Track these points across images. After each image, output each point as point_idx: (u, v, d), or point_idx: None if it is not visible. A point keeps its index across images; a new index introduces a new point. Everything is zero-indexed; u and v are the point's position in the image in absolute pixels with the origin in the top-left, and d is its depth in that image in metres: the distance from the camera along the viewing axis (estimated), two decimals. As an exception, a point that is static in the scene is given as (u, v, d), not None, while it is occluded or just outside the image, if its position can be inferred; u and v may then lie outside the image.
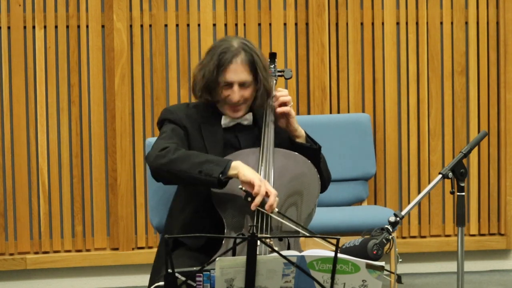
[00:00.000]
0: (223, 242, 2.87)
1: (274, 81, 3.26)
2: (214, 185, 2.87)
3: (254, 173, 2.86)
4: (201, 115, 3.17)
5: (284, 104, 3.15)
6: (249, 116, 3.19)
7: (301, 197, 3.02)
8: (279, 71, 3.32)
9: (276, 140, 3.12)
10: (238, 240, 2.69)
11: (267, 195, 2.84)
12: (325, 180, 3.19)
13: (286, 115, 3.15)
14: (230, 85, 3.11)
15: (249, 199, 2.84)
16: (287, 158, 3.07)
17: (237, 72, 3.12)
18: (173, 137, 3.05)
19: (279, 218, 2.86)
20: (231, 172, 2.87)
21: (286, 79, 3.34)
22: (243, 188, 2.86)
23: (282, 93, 3.17)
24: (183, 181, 2.98)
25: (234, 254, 2.74)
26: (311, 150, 3.14)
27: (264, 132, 3.11)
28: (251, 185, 2.84)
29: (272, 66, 3.32)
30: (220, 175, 2.85)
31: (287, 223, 2.86)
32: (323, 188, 3.17)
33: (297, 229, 2.87)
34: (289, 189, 3.01)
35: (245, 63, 3.13)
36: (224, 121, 3.16)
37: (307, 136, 3.19)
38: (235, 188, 2.89)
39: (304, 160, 3.07)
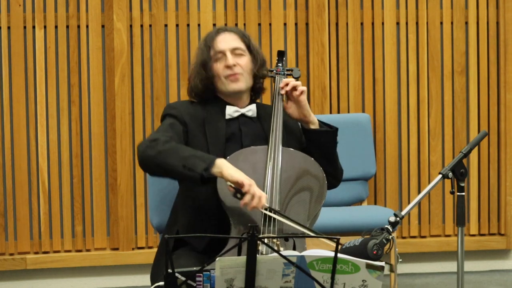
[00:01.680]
0: (228, 243, 2.86)
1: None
2: (196, 180, 2.84)
3: (240, 173, 2.83)
4: (205, 110, 3.15)
5: (296, 88, 3.11)
6: (253, 107, 3.17)
7: (309, 195, 3.01)
8: (287, 70, 3.29)
9: (286, 136, 3.10)
10: (239, 241, 2.69)
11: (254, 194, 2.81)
12: (339, 174, 3.19)
13: (298, 99, 3.09)
14: (222, 54, 3.12)
15: (239, 196, 2.82)
16: (294, 158, 3.06)
17: (226, 40, 3.15)
18: (169, 131, 3.03)
19: (284, 220, 2.85)
20: (215, 170, 2.83)
21: (294, 78, 3.30)
22: (232, 185, 2.83)
23: (289, 79, 3.14)
24: (168, 174, 2.96)
25: (239, 254, 2.74)
26: (328, 134, 3.11)
27: (273, 131, 3.08)
28: (239, 185, 2.82)
29: (280, 64, 3.29)
30: (204, 172, 2.83)
31: (289, 223, 2.86)
32: (337, 181, 3.17)
33: (300, 228, 2.87)
34: (296, 188, 3.00)
35: (233, 32, 3.17)
36: (229, 111, 3.14)
37: (320, 121, 3.16)
38: None
39: (311, 160, 3.06)
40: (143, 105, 5.08)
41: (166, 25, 5.07)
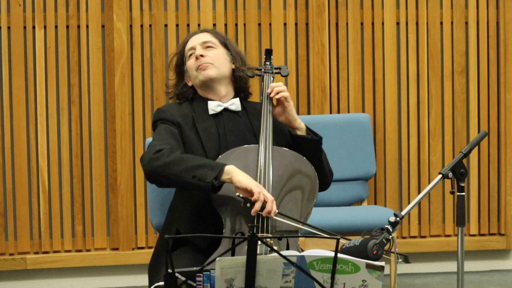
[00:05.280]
0: (222, 242, 2.87)
1: (272, 79, 3.24)
2: (208, 190, 2.85)
3: (249, 179, 2.84)
4: (192, 109, 3.15)
5: (279, 93, 3.11)
6: (236, 101, 3.17)
7: (301, 194, 3.00)
8: (275, 68, 3.27)
9: (275, 136, 3.09)
10: (238, 240, 2.69)
11: (265, 200, 2.83)
12: (327, 175, 3.16)
13: (282, 104, 3.10)
14: (193, 49, 3.18)
15: (249, 205, 2.83)
16: (286, 157, 3.05)
17: (198, 37, 3.21)
18: (167, 138, 3.03)
19: (280, 219, 2.85)
20: (225, 177, 2.85)
21: (282, 76, 3.30)
22: (241, 195, 2.85)
23: (276, 84, 3.13)
24: (177, 185, 2.97)
25: (233, 254, 2.74)
26: (312, 142, 3.11)
27: (263, 130, 3.07)
28: (248, 191, 2.83)
29: (268, 63, 3.28)
30: (214, 180, 2.84)
31: (289, 222, 2.86)
32: (327, 184, 3.15)
33: (299, 226, 2.87)
34: (288, 187, 2.99)
35: (206, 32, 3.23)
36: (211, 106, 3.14)
37: (308, 128, 3.16)
38: (233, 189, 2.88)
39: (303, 159, 3.06)
40: (143, 105, 5.08)
41: (166, 25, 5.07)
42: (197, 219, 3.03)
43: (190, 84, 3.22)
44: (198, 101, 3.18)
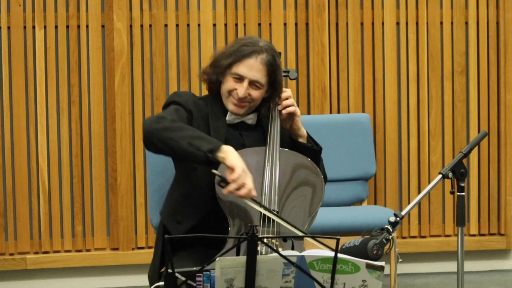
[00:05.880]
0: (227, 242, 2.86)
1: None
2: (201, 159, 2.80)
3: (241, 162, 2.80)
4: (209, 107, 3.12)
5: (286, 99, 3.10)
6: (254, 116, 3.15)
7: (308, 193, 3.00)
8: (284, 71, 3.26)
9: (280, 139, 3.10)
10: (238, 241, 2.69)
11: (242, 185, 2.77)
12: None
13: (291, 115, 3.12)
14: (241, 79, 3.04)
15: (223, 184, 2.79)
16: (293, 158, 3.06)
17: (253, 68, 3.04)
18: (174, 114, 2.98)
19: (282, 222, 2.84)
20: (220, 154, 2.79)
21: (291, 79, 3.31)
22: (218, 173, 2.80)
23: (285, 94, 3.12)
24: (172, 150, 2.88)
25: (238, 254, 2.74)
26: (312, 151, 3.13)
27: (271, 132, 3.08)
28: (232, 171, 2.78)
29: None
30: (209, 153, 2.79)
31: (286, 225, 2.86)
32: None
33: (295, 230, 2.87)
34: (294, 187, 3.00)
35: (264, 64, 3.04)
36: (229, 118, 3.11)
37: (309, 136, 3.17)
38: None
39: (309, 161, 3.07)
40: (143, 105, 5.08)
41: (166, 25, 5.07)
42: (201, 219, 3.02)
43: (221, 80, 3.13)
44: (218, 106, 3.13)
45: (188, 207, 3.05)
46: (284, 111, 3.11)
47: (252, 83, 3.04)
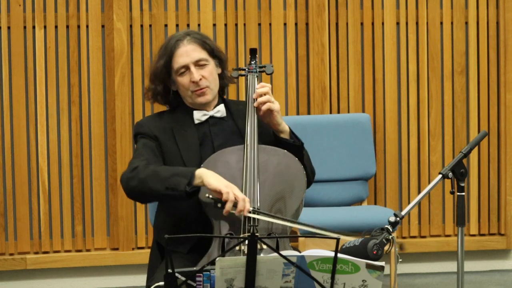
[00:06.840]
0: (213, 242, 2.87)
1: (256, 78, 3.22)
2: (183, 198, 2.87)
3: (219, 180, 2.84)
4: (173, 119, 3.13)
5: (262, 95, 3.07)
6: (221, 108, 3.15)
7: (287, 191, 2.99)
8: (260, 67, 3.25)
9: (260, 136, 3.07)
10: (238, 241, 2.70)
11: (236, 200, 2.82)
12: (309, 175, 3.14)
13: (269, 111, 3.07)
14: (186, 68, 3.07)
15: (219, 205, 2.84)
16: (271, 154, 3.04)
17: (187, 52, 3.08)
18: (145, 153, 3.03)
19: (267, 219, 2.85)
20: (196, 181, 2.86)
21: (267, 74, 3.28)
22: (210, 196, 2.85)
23: (260, 90, 3.09)
24: (155, 199, 3.02)
25: (223, 254, 2.74)
26: (294, 146, 3.11)
27: (247, 129, 3.06)
28: (218, 192, 2.83)
29: (253, 62, 3.25)
30: (187, 187, 2.85)
31: (277, 221, 2.86)
32: (308, 183, 3.13)
33: (287, 224, 2.87)
34: (274, 185, 2.98)
35: (193, 42, 3.10)
36: (197, 116, 3.12)
37: (291, 131, 3.15)
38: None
39: (289, 155, 3.04)
40: (143, 105, 5.08)
41: (166, 25, 5.07)
42: (181, 225, 3.03)
43: (174, 89, 3.16)
44: (182, 111, 3.15)
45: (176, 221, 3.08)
46: (261, 107, 3.08)
47: (197, 65, 3.08)
